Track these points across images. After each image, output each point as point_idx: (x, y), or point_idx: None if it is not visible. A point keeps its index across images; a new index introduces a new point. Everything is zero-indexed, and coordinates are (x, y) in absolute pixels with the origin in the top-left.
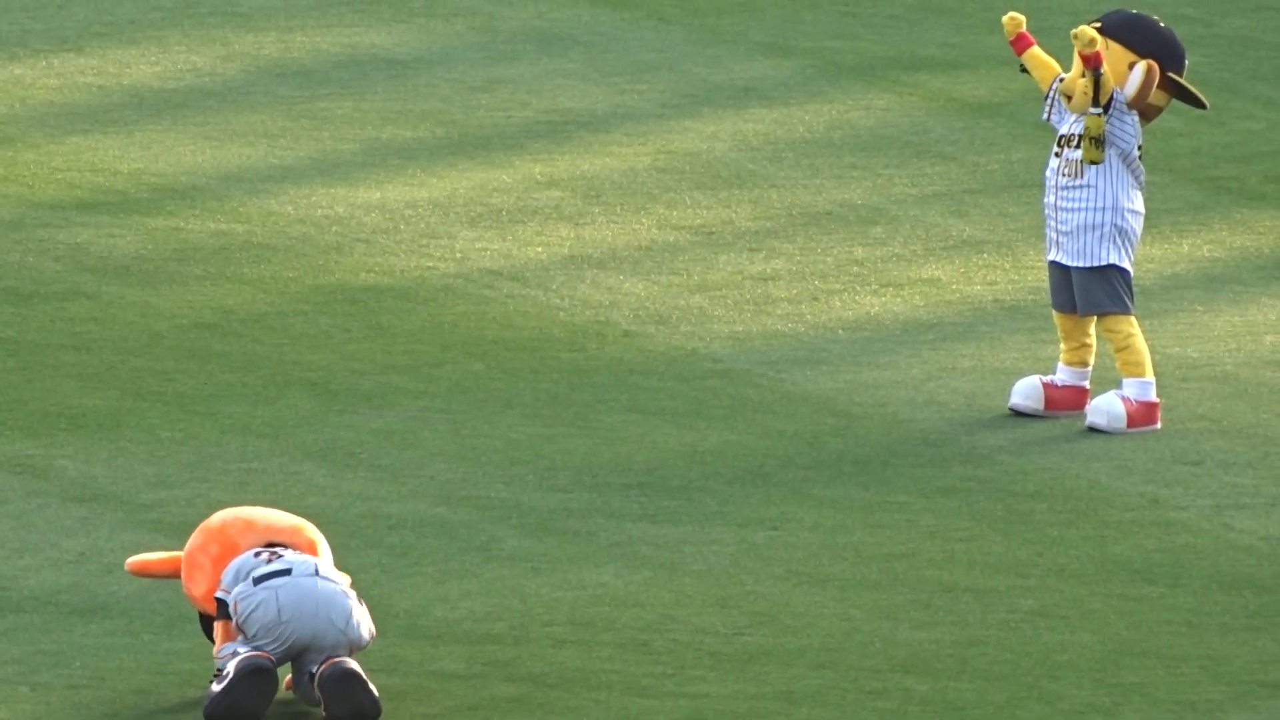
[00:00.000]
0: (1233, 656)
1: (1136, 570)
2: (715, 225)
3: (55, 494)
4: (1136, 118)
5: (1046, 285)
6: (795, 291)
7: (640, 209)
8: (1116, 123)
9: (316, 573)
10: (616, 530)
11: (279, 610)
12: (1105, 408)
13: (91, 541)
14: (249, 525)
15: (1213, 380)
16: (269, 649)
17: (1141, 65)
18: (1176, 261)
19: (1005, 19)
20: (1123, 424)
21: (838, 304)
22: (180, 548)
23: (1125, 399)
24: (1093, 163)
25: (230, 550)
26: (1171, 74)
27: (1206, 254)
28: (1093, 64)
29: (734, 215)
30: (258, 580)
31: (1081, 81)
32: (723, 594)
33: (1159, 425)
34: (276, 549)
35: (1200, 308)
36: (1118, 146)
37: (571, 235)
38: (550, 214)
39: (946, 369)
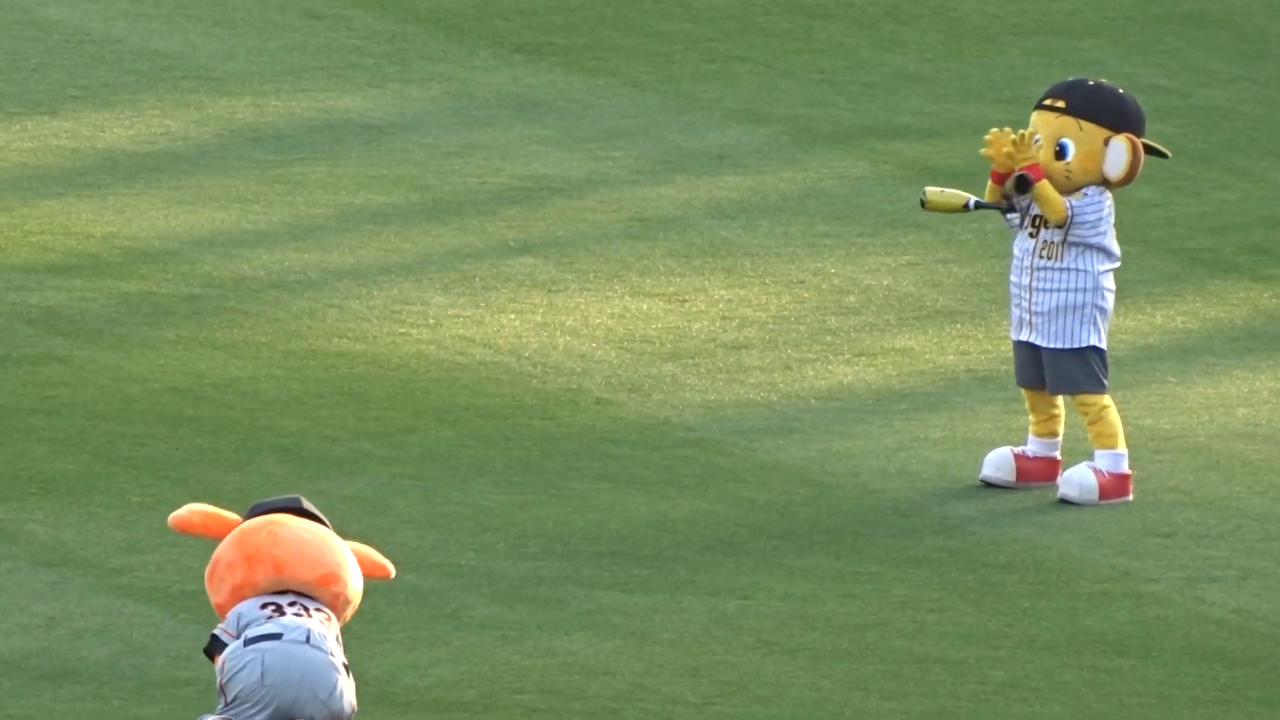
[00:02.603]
0: None
1: (1108, 642)
2: (688, 293)
3: (25, 558)
4: (1108, 197)
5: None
6: (768, 360)
7: (613, 276)
8: (1081, 214)
9: (308, 640)
10: (587, 598)
11: (263, 674)
12: (1077, 479)
13: (61, 606)
14: (277, 570)
15: (1185, 452)
16: (249, 714)
17: (1124, 143)
18: (1150, 333)
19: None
20: (1094, 495)
21: (810, 373)
22: (149, 612)
23: (1097, 470)
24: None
25: (249, 585)
26: (1144, 139)
27: (1180, 325)
28: (1037, 176)
29: (707, 283)
30: (248, 641)
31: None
32: (693, 663)
33: (1131, 497)
34: (285, 602)
35: (1173, 379)
36: (1085, 237)
37: (544, 302)
38: (523, 280)
39: (919, 439)
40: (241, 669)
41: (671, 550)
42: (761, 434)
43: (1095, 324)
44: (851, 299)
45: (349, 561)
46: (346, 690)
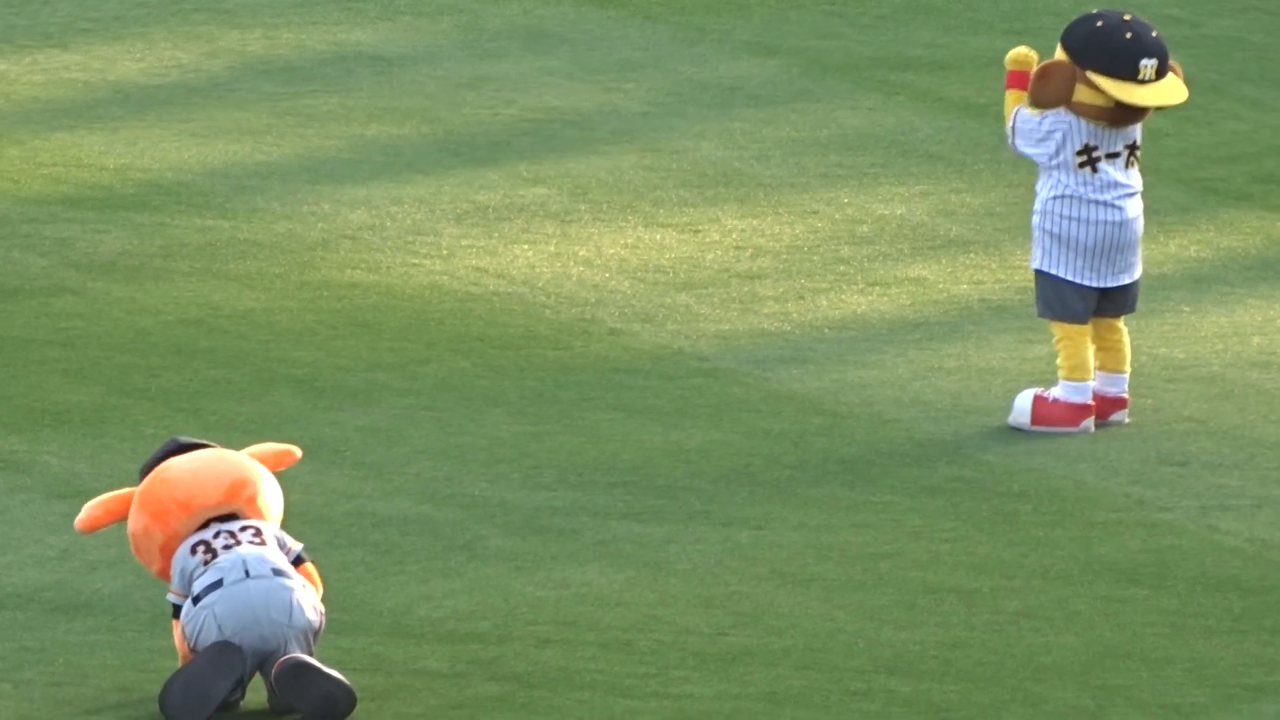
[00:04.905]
0: (1217, 659)
1: (1121, 572)
2: (701, 223)
3: (39, 490)
4: (1064, 122)
5: (1032, 286)
6: (781, 290)
7: (626, 207)
8: (1018, 124)
9: (246, 574)
10: (601, 529)
11: (219, 628)
12: (1015, 402)
13: (75, 538)
14: (184, 509)
15: (1199, 381)
16: None
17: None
18: (1163, 262)
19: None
20: (1025, 419)
21: (824, 303)
22: None
23: (1039, 397)
24: None
25: (172, 538)
26: (1092, 71)
27: (1193, 254)
28: (1010, 84)
29: (720, 213)
30: (196, 599)
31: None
32: (707, 594)
33: (1085, 429)
34: (218, 535)
35: (1187, 308)
36: (1031, 155)
37: (557, 233)
38: (536, 212)
39: (932, 369)
40: (200, 629)
41: (685, 481)
42: (775, 364)
43: (1043, 247)
44: (865, 229)
45: (247, 463)
46: (304, 601)
